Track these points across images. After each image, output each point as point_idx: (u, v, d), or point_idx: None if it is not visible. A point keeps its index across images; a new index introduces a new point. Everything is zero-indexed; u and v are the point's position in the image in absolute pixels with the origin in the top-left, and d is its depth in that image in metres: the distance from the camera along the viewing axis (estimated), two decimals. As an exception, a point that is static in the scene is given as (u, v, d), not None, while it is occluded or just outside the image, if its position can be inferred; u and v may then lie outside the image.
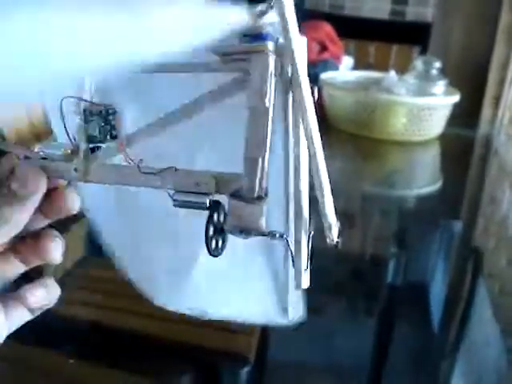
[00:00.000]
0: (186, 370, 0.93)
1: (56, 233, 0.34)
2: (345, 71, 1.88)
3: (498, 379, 1.06)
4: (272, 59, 0.30)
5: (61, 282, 0.99)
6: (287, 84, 0.32)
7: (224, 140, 0.35)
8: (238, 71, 0.31)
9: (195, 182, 0.32)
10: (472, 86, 1.76)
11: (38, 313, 0.34)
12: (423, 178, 1.56)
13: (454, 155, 1.65)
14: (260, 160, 0.30)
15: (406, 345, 1.27)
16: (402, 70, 1.71)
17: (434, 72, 1.68)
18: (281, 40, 0.31)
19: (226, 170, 0.32)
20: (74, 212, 0.33)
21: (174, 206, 0.32)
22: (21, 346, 0.93)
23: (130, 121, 0.36)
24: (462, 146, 1.73)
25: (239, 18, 0.28)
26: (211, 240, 0.32)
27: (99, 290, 1.16)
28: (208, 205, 0.31)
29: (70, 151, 0.34)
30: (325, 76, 1.75)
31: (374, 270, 1.29)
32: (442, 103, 1.62)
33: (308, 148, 0.33)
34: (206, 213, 0.32)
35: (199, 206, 0.32)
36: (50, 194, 0.32)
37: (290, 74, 0.32)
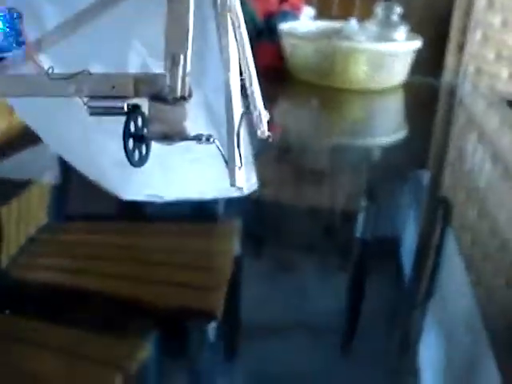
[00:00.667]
0: (150, 327, 0.90)
1: None
2: (305, 21, 1.81)
3: (469, 330, 1.05)
4: None
5: (24, 248, 0.92)
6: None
7: (150, 36, 0.33)
8: None
9: (111, 85, 0.29)
10: (435, 33, 1.72)
11: None
12: (387, 128, 1.53)
13: (417, 104, 1.63)
14: (182, 56, 0.28)
15: (377, 298, 1.25)
16: (365, 19, 1.66)
17: (395, 18, 1.64)
18: None
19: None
20: None
21: (90, 114, 0.29)
22: None
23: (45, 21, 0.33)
24: (425, 94, 1.70)
25: None
26: (132, 151, 0.29)
27: (62, 254, 1.12)
28: (126, 109, 0.29)
29: None
30: (284, 26, 1.68)
31: (343, 224, 1.26)
32: (404, 49, 1.59)
33: (235, 37, 0.31)
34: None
35: (116, 112, 0.29)
36: None
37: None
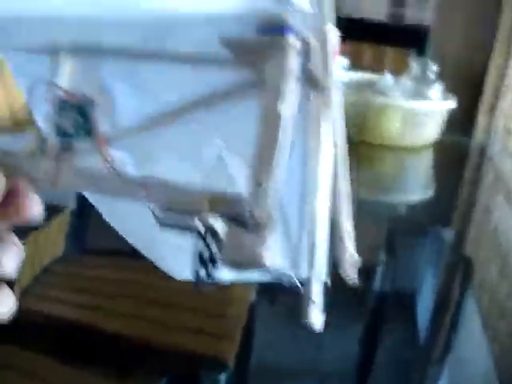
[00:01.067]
0: (164, 373, 0.91)
1: (15, 242, 0.29)
2: (338, 72, 1.85)
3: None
4: (293, 56, 0.25)
5: (38, 279, 0.96)
6: (310, 87, 0.27)
7: (228, 129, 0.29)
8: (251, 68, 0.26)
9: (188, 201, 0.27)
10: (468, 93, 1.74)
11: None
12: (416, 185, 1.54)
13: (448, 162, 1.63)
14: (267, 182, 0.25)
15: (392, 352, 1.26)
16: (397, 73, 1.68)
17: (431, 75, 1.65)
18: (305, 33, 0.26)
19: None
20: (36, 219, 0.28)
21: (159, 225, 0.28)
22: None
23: (120, 114, 0.30)
24: (456, 153, 1.71)
25: None
26: (198, 274, 0.28)
27: (77, 289, 1.15)
28: (201, 232, 0.27)
29: (35, 147, 0.29)
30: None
31: (361, 276, 1.28)
32: (438, 108, 1.59)
33: (333, 166, 0.28)
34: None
35: (188, 230, 0.27)
36: (10, 196, 0.28)
37: (316, 76, 0.27)
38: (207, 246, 0.27)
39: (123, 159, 0.29)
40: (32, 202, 0.27)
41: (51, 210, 1.24)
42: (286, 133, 0.25)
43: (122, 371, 0.90)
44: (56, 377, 0.90)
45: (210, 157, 0.29)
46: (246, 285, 1.13)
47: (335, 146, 0.28)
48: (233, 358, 0.96)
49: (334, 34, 0.27)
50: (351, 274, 0.30)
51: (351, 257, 0.30)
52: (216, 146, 0.29)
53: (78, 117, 0.29)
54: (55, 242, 1.21)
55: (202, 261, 0.28)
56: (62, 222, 1.22)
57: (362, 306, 1.25)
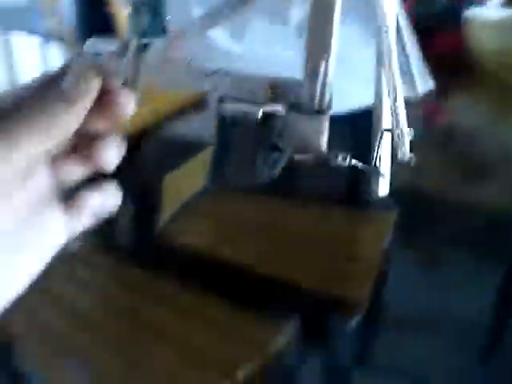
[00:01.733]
0: (293, 312, 0.90)
1: (113, 139, 0.31)
2: (493, 8, 1.70)
3: None
4: None
5: (178, 213, 0.97)
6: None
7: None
8: None
9: (248, 89, 0.28)
10: None
11: (101, 217, 0.33)
12: None
13: None
14: (323, 66, 0.25)
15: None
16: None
17: None
18: None
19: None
20: (130, 114, 0.30)
21: (221, 115, 0.28)
22: (135, 270, 1.01)
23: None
24: None
25: None
26: (263, 161, 0.28)
27: (214, 222, 1.18)
28: (260, 118, 0.27)
29: (121, 46, 0.30)
30: (470, 13, 1.59)
31: (506, 222, 1.19)
32: None
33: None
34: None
35: (250, 118, 0.27)
36: (105, 95, 0.30)
37: None
38: (268, 132, 0.28)
39: (220, 35, 0.32)
40: (125, 98, 0.30)
41: (193, 146, 1.27)
42: (335, 16, 0.25)
43: (250, 305, 0.91)
44: (187, 305, 0.93)
45: (297, 17, 0.30)
46: (383, 227, 1.10)
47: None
48: (364, 302, 0.93)
49: None
50: (403, 149, 0.29)
51: (402, 132, 0.29)
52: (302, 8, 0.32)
53: (152, 16, 0.33)
54: (196, 176, 1.22)
55: (268, 148, 0.28)
56: (203, 158, 1.25)
57: (504, 254, 1.16)
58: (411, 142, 0.29)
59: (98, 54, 0.31)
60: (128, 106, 0.30)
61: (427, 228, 1.23)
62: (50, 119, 0.28)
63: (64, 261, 0.93)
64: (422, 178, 1.20)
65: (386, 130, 0.29)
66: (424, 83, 0.42)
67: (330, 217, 1.14)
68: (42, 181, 0.31)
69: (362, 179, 1.03)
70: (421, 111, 1.38)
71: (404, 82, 0.30)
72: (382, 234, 1.08)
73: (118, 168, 0.32)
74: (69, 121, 0.29)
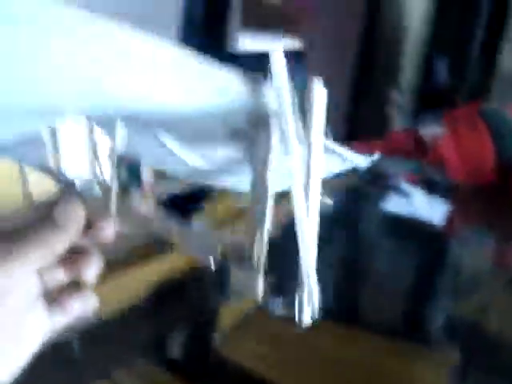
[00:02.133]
0: None
1: (94, 253, 0.39)
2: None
3: None
4: (275, 135, 0.31)
5: (238, 327, 1.21)
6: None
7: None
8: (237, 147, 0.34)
9: (205, 244, 0.36)
10: None
11: (79, 317, 0.39)
12: None
13: None
14: (258, 233, 0.32)
15: None
16: None
17: None
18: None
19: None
20: (111, 240, 0.38)
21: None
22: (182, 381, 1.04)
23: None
24: None
25: (236, 84, 0.29)
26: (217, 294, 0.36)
27: (270, 343, 1.17)
28: (215, 268, 0.34)
29: (103, 190, 0.39)
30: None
31: None
32: None
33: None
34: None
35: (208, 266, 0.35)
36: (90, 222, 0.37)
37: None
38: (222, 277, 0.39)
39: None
40: (107, 226, 0.38)
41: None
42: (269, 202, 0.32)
43: None
44: None
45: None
46: (441, 369, 1.10)
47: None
48: None
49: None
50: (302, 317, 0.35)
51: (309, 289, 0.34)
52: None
53: (130, 171, 0.41)
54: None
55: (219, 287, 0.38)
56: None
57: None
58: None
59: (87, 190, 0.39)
60: (108, 230, 0.38)
61: (491, 376, 1.03)
62: (42, 243, 0.35)
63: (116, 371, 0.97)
64: (487, 318, 0.95)
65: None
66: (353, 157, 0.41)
67: (389, 350, 1.13)
68: (31, 284, 0.36)
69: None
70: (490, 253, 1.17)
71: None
72: (439, 377, 1.06)
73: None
74: (58, 244, 0.35)
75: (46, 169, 0.42)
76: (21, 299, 0.36)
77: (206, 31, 1.93)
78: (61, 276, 0.39)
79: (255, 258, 0.32)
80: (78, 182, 0.40)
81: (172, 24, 1.95)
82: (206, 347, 1.16)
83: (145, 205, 0.40)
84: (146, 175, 0.41)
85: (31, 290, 0.37)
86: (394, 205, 1.59)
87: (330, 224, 1.54)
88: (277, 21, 2.12)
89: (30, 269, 0.35)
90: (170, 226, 0.38)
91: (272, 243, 0.33)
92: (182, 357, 1.15)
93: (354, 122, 2.58)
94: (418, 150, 1.85)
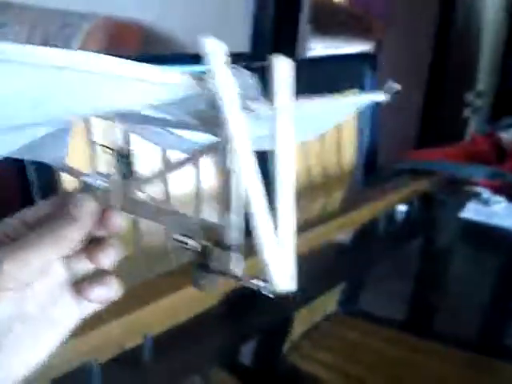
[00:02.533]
0: None
1: (111, 242, 0.42)
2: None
3: None
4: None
5: (307, 336, 1.17)
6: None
7: None
8: (209, 132, 0.36)
9: (188, 229, 0.38)
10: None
11: (106, 303, 0.42)
12: None
13: None
14: (232, 218, 0.34)
15: None
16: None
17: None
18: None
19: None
20: (119, 227, 0.42)
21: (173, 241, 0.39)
22: None
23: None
24: None
25: (180, 80, 0.30)
26: (198, 278, 0.37)
27: (342, 353, 1.14)
28: (199, 249, 0.37)
29: (110, 184, 0.42)
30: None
31: None
32: None
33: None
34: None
35: (192, 249, 0.38)
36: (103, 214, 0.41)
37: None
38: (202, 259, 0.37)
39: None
40: (115, 219, 0.41)
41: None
42: (239, 181, 0.34)
43: None
44: None
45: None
46: None
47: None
48: None
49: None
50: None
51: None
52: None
53: (126, 163, 0.43)
54: (329, 300, 1.22)
55: (203, 269, 0.37)
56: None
57: None
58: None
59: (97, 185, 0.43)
60: (116, 223, 0.41)
61: None
62: (57, 234, 0.37)
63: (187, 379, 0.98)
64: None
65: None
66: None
67: (466, 363, 1.09)
68: (57, 274, 0.40)
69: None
70: None
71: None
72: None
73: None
74: (73, 234, 0.38)
75: (65, 167, 0.47)
76: (47, 288, 0.39)
77: (275, 39, 1.93)
78: (85, 265, 0.41)
79: (233, 237, 0.35)
80: (85, 178, 0.44)
81: (242, 33, 1.96)
82: (278, 356, 1.15)
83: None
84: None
85: (57, 279, 0.40)
86: (472, 212, 1.53)
87: (405, 232, 1.52)
88: (347, 24, 2.10)
89: (48, 258, 0.37)
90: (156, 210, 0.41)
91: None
92: (254, 365, 1.14)
93: (429, 126, 2.52)
94: (497, 155, 1.79)
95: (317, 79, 1.31)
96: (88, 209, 0.39)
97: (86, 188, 0.43)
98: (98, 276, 0.41)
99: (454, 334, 1.17)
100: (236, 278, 0.35)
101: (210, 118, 0.33)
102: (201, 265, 0.37)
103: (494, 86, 2.81)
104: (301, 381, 1.05)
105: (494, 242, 1.46)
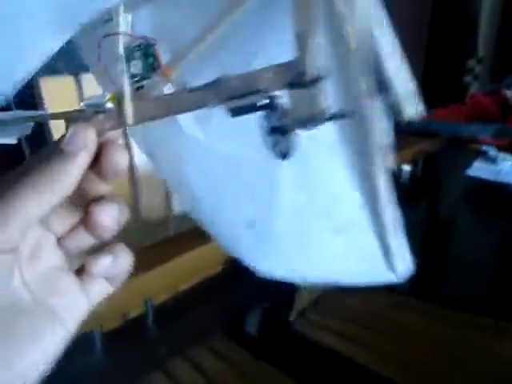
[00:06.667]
0: None
1: (112, 197, 0.33)
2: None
3: None
4: None
5: (314, 304, 1.15)
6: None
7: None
8: None
9: (249, 82, 0.27)
10: None
11: (117, 283, 0.34)
12: None
13: None
14: (310, 34, 0.25)
15: None
16: None
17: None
18: None
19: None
20: (123, 168, 0.31)
21: (232, 116, 0.28)
22: (255, 360, 1.00)
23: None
24: None
25: None
26: (268, 140, 0.29)
27: (354, 323, 1.13)
28: (264, 103, 0.28)
29: (113, 96, 0.32)
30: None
31: None
32: None
33: None
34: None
35: (256, 108, 0.28)
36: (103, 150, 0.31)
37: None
38: (276, 115, 0.28)
39: (185, 120, 0.34)
40: (119, 154, 0.31)
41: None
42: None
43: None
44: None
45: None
46: None
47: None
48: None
49: None
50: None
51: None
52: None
53: (143, 58, 0.32)
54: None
55: (275, 129, 0.29)
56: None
57: None
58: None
59: (96, 112, 0.32)
60: (121, 158, 0.31)
61: None
62: (47, 176, 0.30)
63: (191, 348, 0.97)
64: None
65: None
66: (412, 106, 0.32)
67: (473, 326, 1.07)
68: (51, 256, 0.33)
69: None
70: None
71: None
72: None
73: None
74: (69, 178, 0.30)
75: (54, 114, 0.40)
76: (40, 273, 0.32)
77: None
78: (84, 239, 0.33)
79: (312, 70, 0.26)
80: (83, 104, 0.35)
81: None
82: (283, 323, 1.13)
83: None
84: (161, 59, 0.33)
85: (52, 263, 0.33)
86: (479, 171, 1.50)
87: (411, 192, 1.49)
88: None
89: (42, 205, 0.30)
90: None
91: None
92: (258, 333, 1.13)
93: (430, 92, 2.50)
94: (502, 111, 1.75)
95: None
96: (83, 136, 0.31)
97: (84, 117, 0.33)
98: (101, 248, 0.33)
99: (460, 296, 1.16)
100: (326, 120, 0.26)
101: None
102: (273, 128, 0.28)
103: (494, 51, 2.80)
104: (308, 348, 1.04)
105: (501, 199, 1.44)
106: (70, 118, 0.36)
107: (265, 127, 0.28)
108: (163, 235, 1.05)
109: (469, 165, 1.54)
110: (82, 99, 0.92)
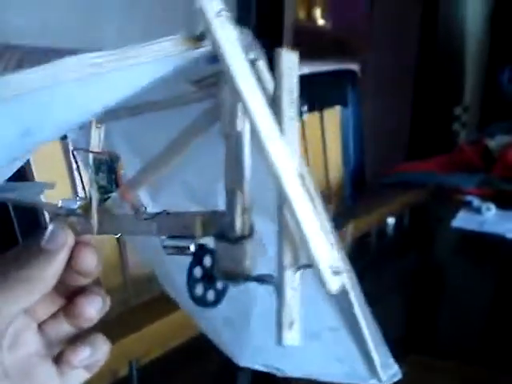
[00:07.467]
0: None
1: (97, 292, 0.34)
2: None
3: None
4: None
5: None
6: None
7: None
8: (210, 98, 0.29)
9: (183, 225, 0.29)
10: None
11: (94, 370, 0.35)
12: None
13: None
14: (239, 192, 0.26)
15: None
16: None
17: None
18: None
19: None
20: (94, 269, 0.33)
21: (166, 254, 0.30)
22: None
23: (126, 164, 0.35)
24: None
25: (176, 47, 0.25)
26: (193, 288, 0.29)
27: None
28: (193, 250, 0.29)
29: (85, 205, 0.34)
30: None
31: None
32: None
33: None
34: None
35: (185, 252, 0.29)
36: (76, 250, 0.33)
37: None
38: (202, 264, 0.29)
39: (142, 197, 0.36)
40: (89, 254, 0.33)
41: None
42: (246, 149, 0.26)
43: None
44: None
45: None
46: None
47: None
48: None
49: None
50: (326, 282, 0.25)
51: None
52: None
53: (107, 173, 0.34)
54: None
55: (197, 279, 0.29)
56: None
57: None
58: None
59: (69, 214, 0.34)
60: (91, 259, 0.33)
61: None
62: (28, 273, 0.31)
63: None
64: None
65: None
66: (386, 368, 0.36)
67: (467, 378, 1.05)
68: (31, 343, 0.33)
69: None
70: None
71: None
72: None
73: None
74: (48, 275, 0.31)
75: (40, 203, 0.42)
76: (19, 360, 0.33)
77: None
78: (64, 327, 0.34)
79: (238, 228, 0.26)
80: (61, 203, 0.36)
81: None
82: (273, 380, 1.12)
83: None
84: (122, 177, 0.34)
85: (31, 349, 0.33)
86: (464, 221, 1.52)
87: (397, 245, 1.50)
88: (330, 49, 2.10)
89: (19, 305, 0.31)
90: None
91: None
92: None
93: (417, 141, 2.53)
94: (485, 162, 1.78)
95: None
96: (60, 239, 0.32)
97: (61, 217, 0.35)
98: (81, 337, 0.34)
99: (455, 347, 1.15)
100: (250, 279, 0.26)
101: (208, 79, 0.28)
102: (197, 273, 0.29)
103: (481, 99, 2.85)
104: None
105: (487, 249, 1.44)
106: (50, 211, 0.37)
107: (193, 273, 0.28)
108: (151, 294, 1.05)
109: (454, 215, 1.55)
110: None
